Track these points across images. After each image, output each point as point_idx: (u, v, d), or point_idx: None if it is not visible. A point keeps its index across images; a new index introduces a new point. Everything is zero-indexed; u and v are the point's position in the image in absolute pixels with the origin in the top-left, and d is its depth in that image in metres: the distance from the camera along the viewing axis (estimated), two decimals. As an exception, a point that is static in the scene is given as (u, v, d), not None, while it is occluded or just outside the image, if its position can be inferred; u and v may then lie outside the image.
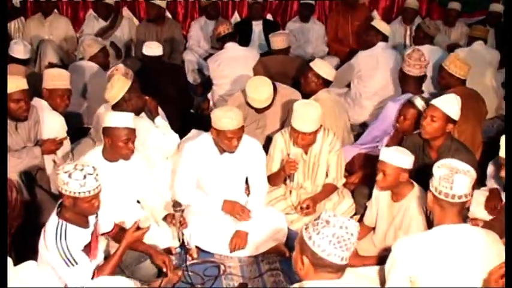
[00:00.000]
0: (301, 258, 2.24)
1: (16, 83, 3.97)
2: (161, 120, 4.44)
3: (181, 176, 3.96)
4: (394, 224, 3.53)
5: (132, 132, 3.66)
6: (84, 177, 2.91)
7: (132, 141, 3.66)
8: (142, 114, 4.39)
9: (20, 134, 4.10)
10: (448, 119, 3.72)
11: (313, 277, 2.24)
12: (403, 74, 4.81)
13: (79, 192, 2.92)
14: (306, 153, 4.13)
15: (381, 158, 3.44)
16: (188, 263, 3.77)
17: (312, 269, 2.23)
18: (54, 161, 4.41)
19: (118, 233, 3.47)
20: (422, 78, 4.80)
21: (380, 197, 3.64)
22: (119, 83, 4.21)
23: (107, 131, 3.64)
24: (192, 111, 5.89)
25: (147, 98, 4.38)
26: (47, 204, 3.91)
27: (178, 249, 3.92)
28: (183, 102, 5.62)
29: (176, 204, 3.66)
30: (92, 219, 3.18)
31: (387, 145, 4.23)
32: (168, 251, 3.83)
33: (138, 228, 3.30)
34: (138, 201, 4.02)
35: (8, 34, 6.22)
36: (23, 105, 3.96)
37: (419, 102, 4.19)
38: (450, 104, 3.72)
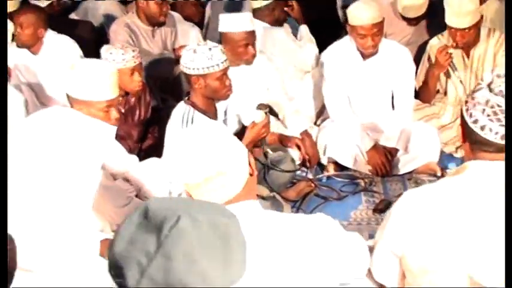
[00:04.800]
0: (462, 133, 1.64)
1: None
2: (306, 30, 4.05)
3: (330, 90, 3.54)
4: None
5: (251, 35, 3.26)
6: (210, 49, 2.74)
7: (253, 45, 3.27)
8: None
9: (157, 41, 4.00)
10: None
11: (472, 158, 1.62)
12: None
13: (207, 67, 2.72)
14: (468, 56, 3.53)
15: None
16: (323, 175, 3.42)
17: (468, 147, 1.62)
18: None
19: None
20: None
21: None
22: None
23: (223, 37, 3.27)
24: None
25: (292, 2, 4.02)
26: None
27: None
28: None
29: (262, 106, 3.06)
30: (221, 109, 2.94)
31: None
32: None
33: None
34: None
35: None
36: (165, 7, 3.86)
37: None
38: None
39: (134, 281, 0.88)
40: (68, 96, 2.52)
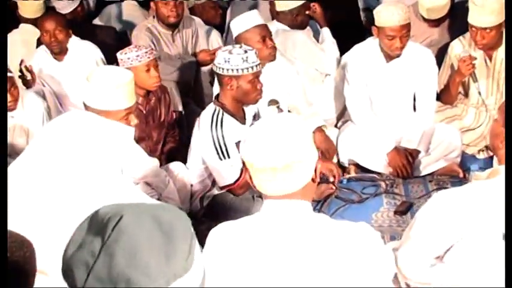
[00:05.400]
0: (502, 131, 1.64)
1: None
2: (327, 32, 4.05)
3: (352, 92, 3.54)
4: None
5: (265, 28, 3.28)
6: (245, 52, 2.78)
7: (270, 38, 3.28)
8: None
9: (177, 45, 4.03)
10: None
11: None
12: None
13: (242, 69, 2.75)
14: (490, 58, 3.49)
15: None
16: (344, 177, 3.41)
17: None
18: (211, 83, 4.28)
19: None
20: None
21: None
22: None
23: (239, 39, 3.26)
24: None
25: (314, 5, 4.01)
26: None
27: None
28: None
29: (273, 102, 3.13)
30: (249, 113, 2.95)
31: None
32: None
33: None
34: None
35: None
36: (172, 8, 3.84)
37: None
38: None
39: (82, 280, 0.92)
40: (85, 105, 2.56)
